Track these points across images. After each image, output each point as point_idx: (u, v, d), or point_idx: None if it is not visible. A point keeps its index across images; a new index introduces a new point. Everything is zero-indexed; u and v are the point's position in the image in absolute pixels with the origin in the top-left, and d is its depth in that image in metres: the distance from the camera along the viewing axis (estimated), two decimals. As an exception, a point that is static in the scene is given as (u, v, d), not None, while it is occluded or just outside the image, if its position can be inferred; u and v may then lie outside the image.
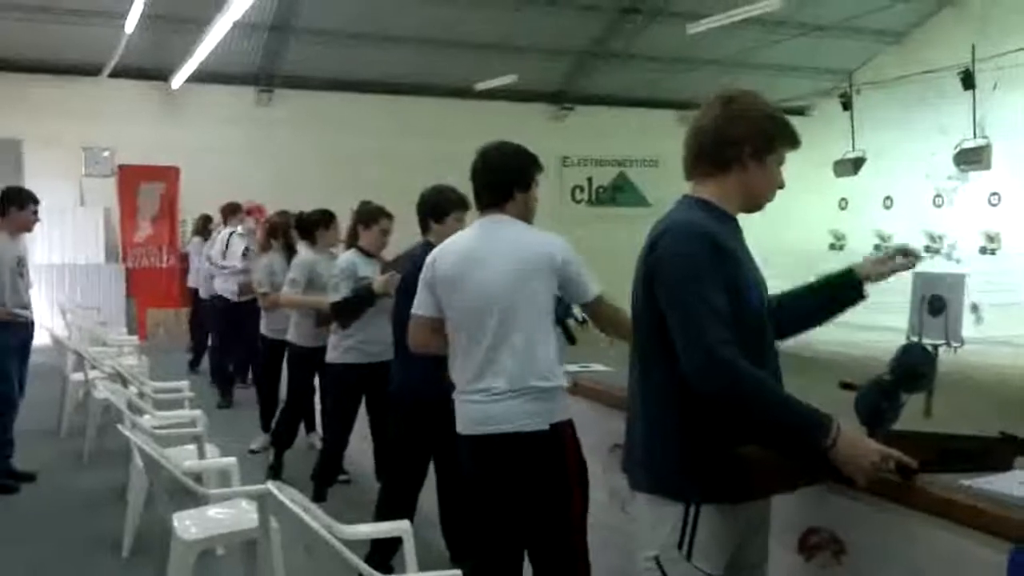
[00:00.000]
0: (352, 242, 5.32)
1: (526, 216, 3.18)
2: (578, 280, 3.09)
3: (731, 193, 2.27)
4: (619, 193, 17.92)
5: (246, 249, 8.53)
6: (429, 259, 3.23)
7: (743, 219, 2.33)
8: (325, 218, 6.26)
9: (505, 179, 3.15)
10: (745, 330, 2.11)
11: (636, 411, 2.28)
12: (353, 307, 5.04)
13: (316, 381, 6.28)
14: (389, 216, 5.30)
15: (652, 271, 2.17)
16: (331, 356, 5.33)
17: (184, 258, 12.75)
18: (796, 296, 2.51)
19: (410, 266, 3.94)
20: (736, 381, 2.04)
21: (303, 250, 6.29)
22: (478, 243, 3.12)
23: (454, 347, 3.13)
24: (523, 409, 2.97)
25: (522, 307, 3.00)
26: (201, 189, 13.00)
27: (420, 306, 3.23)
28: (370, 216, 5.28)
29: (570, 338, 3.48)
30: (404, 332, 3.42)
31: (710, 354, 2.04)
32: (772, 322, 2.29)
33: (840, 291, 2.50)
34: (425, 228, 4.10)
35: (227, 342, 8.82)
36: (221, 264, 8.72)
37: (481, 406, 3.02)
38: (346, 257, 5.22)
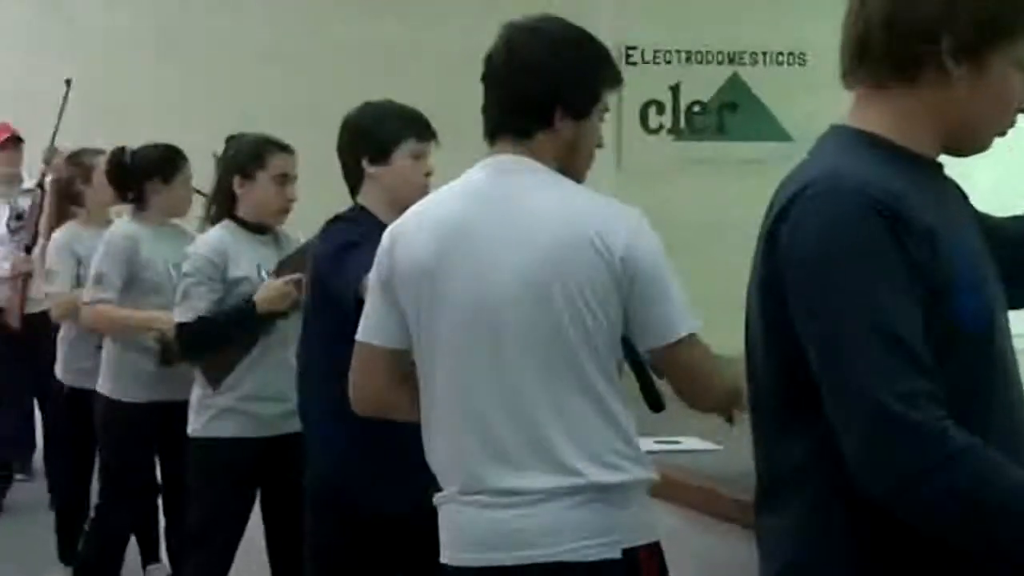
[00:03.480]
0: (222, 210, 3.46)
1: (573, 164, 1.91)
2: (653, 296, 1.81)
3: (921, 119, 1.47)
4: (731, 115, 10.63)
5: (18, 216, 5.50)
6: (385, 241, 1.96)
7: None
8: (166, 163, 3.97)
9: (544, 90, 1.86)
10: (957, 365, 1.37)
11: (766, 511, 1.54)
12: (220, 337, 3.36)
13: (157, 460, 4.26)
14: (286, 149, 3.47)
15: (778, 267, 1.42)
16: (194, 425, 3.51)
17: None
18: None
19: (323, 259, 2.55)
20: (937, 469, 1.29)
21: (122, 220, 4.16)
22: (478, 208, 1.88)
23: (430, 405, 1.92)
24: (575, 520, 1.84)
25: (558, 330, 1.80)
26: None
27: (370, 329, 1.96)
28: (252, 157, 3.38)
29: (653, 400, 2.07)
30: (322, 381, 2.40)
31: (883, 418, 1.30)
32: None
33: None
34: (355, 180, 2.64)
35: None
36: None
37: (496, 514, 1.87)
38: (209, 239, 3.44)
